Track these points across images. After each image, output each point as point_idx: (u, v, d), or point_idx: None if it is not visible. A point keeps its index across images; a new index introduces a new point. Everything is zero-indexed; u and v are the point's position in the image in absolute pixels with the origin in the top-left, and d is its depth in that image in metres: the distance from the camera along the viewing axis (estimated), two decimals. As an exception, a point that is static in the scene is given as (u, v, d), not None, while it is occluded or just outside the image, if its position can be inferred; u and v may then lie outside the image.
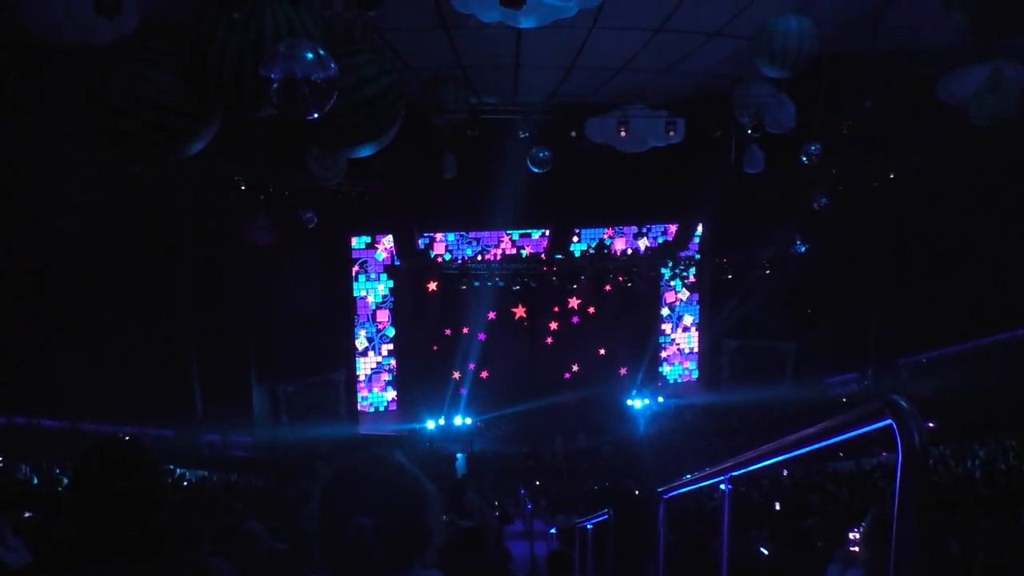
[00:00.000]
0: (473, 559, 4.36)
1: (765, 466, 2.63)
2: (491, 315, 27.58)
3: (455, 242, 26.39)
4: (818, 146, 15.50)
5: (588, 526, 6.37)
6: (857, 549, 3.95)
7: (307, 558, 1.67)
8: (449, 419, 25.54)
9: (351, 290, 25.82)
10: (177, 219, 19.92)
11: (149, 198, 18.35)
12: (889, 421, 1.54)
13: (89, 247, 17.62)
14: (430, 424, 25.40)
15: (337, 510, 1.63)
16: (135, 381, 17.79)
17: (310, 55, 4.51)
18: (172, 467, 16.46)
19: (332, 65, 4.60)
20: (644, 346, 28.64)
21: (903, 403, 1.54)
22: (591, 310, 28.07)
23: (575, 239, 26.94)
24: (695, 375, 29.89)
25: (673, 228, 27.76)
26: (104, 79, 5.12)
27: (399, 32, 12.15)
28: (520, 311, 27.74)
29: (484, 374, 27.44)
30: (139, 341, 18.76)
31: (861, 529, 3.48)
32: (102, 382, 17.58)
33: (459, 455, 22.67)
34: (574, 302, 28.09)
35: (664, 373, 29.54)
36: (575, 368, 28.58)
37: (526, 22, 7.78)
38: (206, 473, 17.86)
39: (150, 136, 5.27)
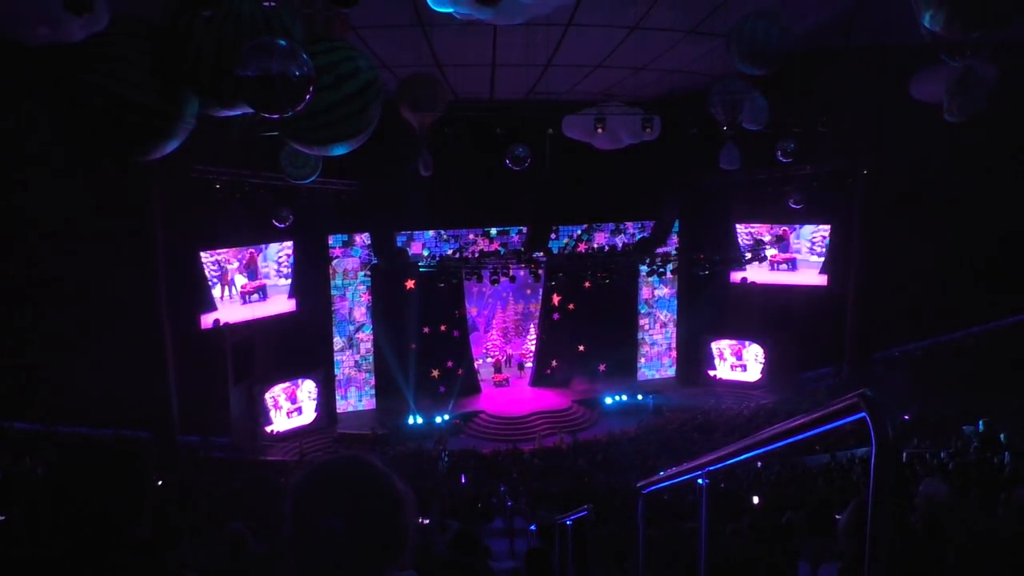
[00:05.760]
0: (453, 557, 4.36)
1: (742, 460, 2.65)
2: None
3: (433, 240, 26.35)
4: (793, 143, 15.63)
5: (568, 522, 6.38)
6: (829, 542, 3.99)
7: (286, 560, 1.66)
8: (428, 417, 25.48)
9: (328, 289, 25.70)
10: (152, 218, 19.71)
11: (124, 197, 18.17)
12: (863, 414, 1.56)
13: (63, 247, 17.41)
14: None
15: (309, 513, 1.62)
16: (110, 382, 17.56)
17: (286, 53, 4.48)
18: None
19: (308, 63, 4.57)
20: (623, 343, 28.77)
21: (876, 397, 1.56)
22: (571, 307, 28.16)
23: (553, 236, 27.01)
24: (673, 371, 30.05)
25: (650, 225, 27.91)
26: (77, 77, 5.06)
27: (376, 30, 12.11)
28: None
29: (461, 372, 27.43)
30: (114, 342, 18.52)
31: (840, 521, 3.51)
32: (76, 384, 17.35)
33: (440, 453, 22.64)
34: (554, 299, 28.19)
35: (642, 369, 29.68)
36: (554, 364, 28.66)
37: (501, 20, 7.77)
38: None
39: (124, 134, 5.21)
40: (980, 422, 11.49)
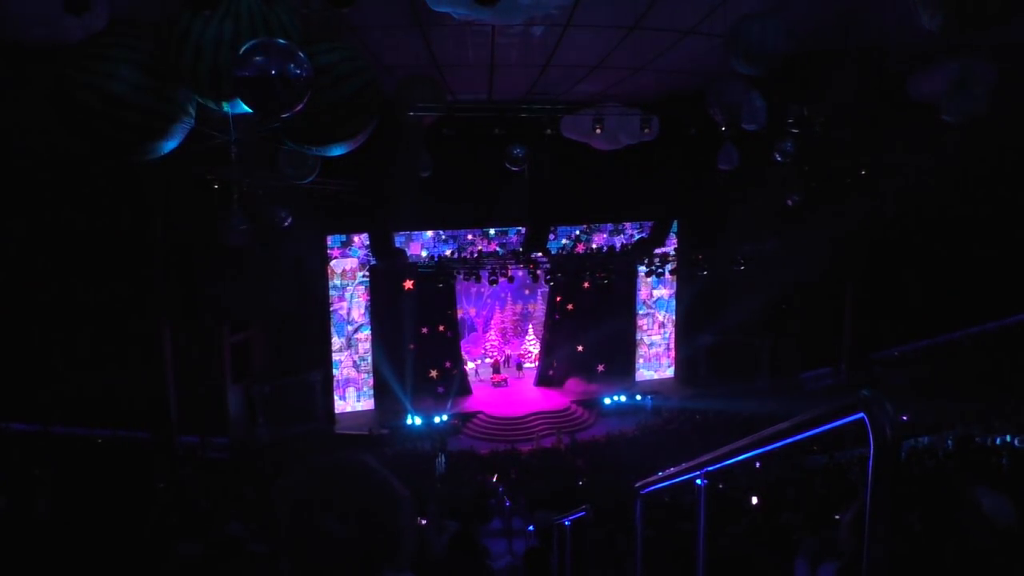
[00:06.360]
0: (451, 558, 4.37)
1: (741, 460, 2.65)
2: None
3: (431, 240, 26.33)
4: (792, 144, 15.60)
5: (566, 523, 6.38)
6: (828, 540, 3.98)
7: (282, 561, 1.65)
8: (427, 418, 25.45)
9: (327, 289, 25.66)
10: (150, 218, 19.69)
11: (122, 197, 18.14)
12: (862, 415, 1.56)
13: (60, 247, 17.39)
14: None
15: (306, 515, 1.61)
16: (108, 382, 17.54)
17: (285, 54, 4.48)
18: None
19: (307, 64, 4.57)
20: (621, 343, 28.75)
21: (875, 397, 1.56)
22: (570, 307, 28.15)
23: (551, 236, 27.00)
24: (671, 372, 30.04)
25: (649, 225, 27.91)
26: (74, 77, 5.06)
27: (373, 30, 12.10)
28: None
29: (457, 372, 27.40)
30: (112, 342, 18.51)
31: (844, 517, 3.51)
32: (74, 384, 17.34)
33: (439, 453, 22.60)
34: (554, 299, 28.17)
35: (641, 369, 29.67)
36: (554, 364, 28.66)
37: (499, 20, 7.77)
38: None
39: (122, 135, 5.21)
40: (957, 427, 11.52)
